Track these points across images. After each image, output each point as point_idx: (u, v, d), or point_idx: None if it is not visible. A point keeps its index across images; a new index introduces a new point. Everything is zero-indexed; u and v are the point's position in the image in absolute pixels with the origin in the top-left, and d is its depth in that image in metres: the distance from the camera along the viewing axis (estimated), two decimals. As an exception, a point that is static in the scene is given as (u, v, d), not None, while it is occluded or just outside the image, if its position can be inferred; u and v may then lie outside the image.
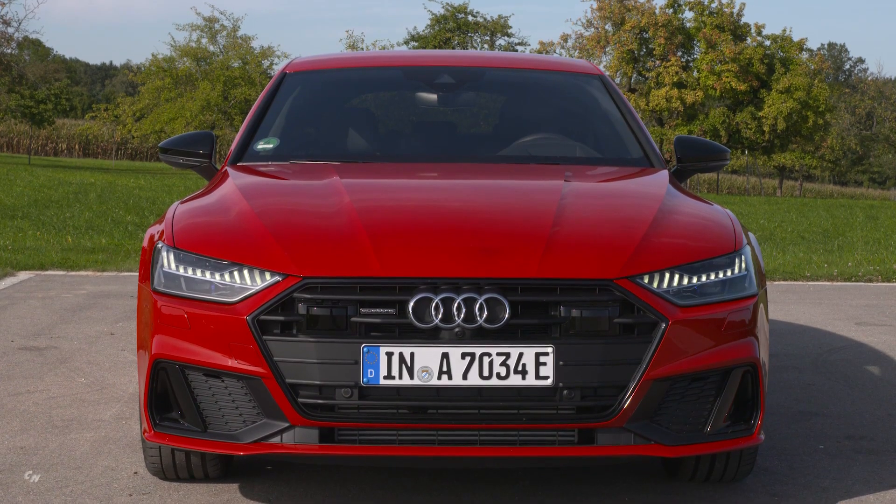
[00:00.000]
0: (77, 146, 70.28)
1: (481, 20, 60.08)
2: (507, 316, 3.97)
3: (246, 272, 4.12)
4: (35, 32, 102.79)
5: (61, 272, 11.90)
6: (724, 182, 65.73)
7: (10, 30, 47.90)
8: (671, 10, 54.17)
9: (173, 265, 4.25)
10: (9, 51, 50.41)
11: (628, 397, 4.03)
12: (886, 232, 22.07)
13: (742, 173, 66.28)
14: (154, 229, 4.67)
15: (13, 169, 36.71)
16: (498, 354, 3.97)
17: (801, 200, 44.56)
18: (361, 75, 6.48)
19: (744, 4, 53.88)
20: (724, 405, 4.23)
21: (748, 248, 4.47)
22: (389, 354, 3.96)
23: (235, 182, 4.95)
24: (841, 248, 17.67)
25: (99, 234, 16.09)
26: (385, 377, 3.97)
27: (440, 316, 3.96)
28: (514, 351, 3.97)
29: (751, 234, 4.81)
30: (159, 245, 4.37)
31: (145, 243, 4.65)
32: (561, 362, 3.98)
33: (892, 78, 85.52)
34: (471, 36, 60.26)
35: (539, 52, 55.12)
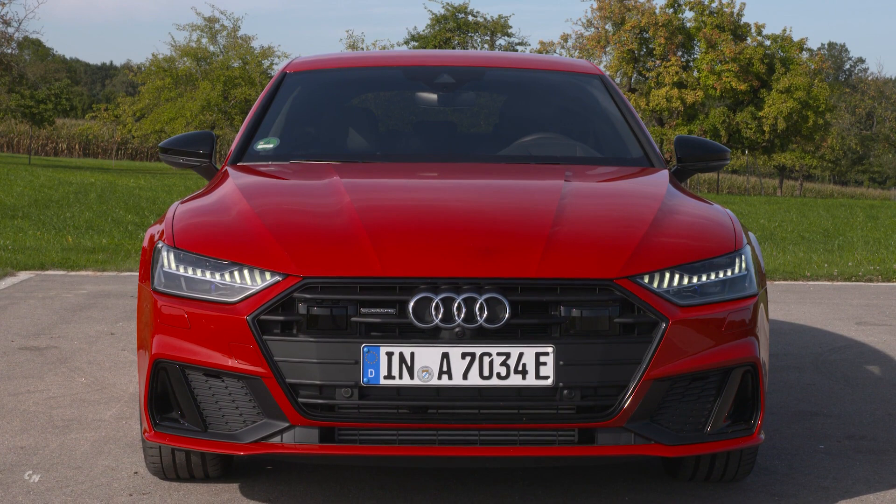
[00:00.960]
0: (77, 146, 70.32)
1: (481, 20, 60.09)
2: (507, 316, 3.97)
3: (246, 272, 4.12)
4: (35, 32, 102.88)
5: (61, 272, 11.90)
6: (725, 182, 65.75)
7: (10, 30, 47.89)
8: (671, 10, 54.16)
9: (173, 265, 4.25)
10: (9, 51, 50.38)
11: (628, 397, 4.03)
12: (886, 232, 22.07)
13: (742, 173, 66.30)
14: (154, 229, 4.67)
15: (13, 169, 36.71)
16: (498, 354, 3.96)
17: (801, 200, 44.56)
18: (362, 75, 6.48)
19: (744, 4, 53.88)
20: (725, 405, 4.23)
21: (748, 248, 4.47)
22: (390, 354, 3.96)
23: (235, 182, 4.95)
24: (841, 247, 17.68)
25: (99, 233, 16.09)
26: (385, 377, 3.96)
27: (440, 316, 3.96)
28: (515, 351, 3.97)
29: (751, 234, 4.81)
30: (159, 245, 4.37)
31: (145, 243, 4.65)
32: (561, 362, 3.97)
33: (893, 77, 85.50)
34: (471, 36, 60.27)
35: (539, 51, 55.12)
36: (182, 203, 4.75)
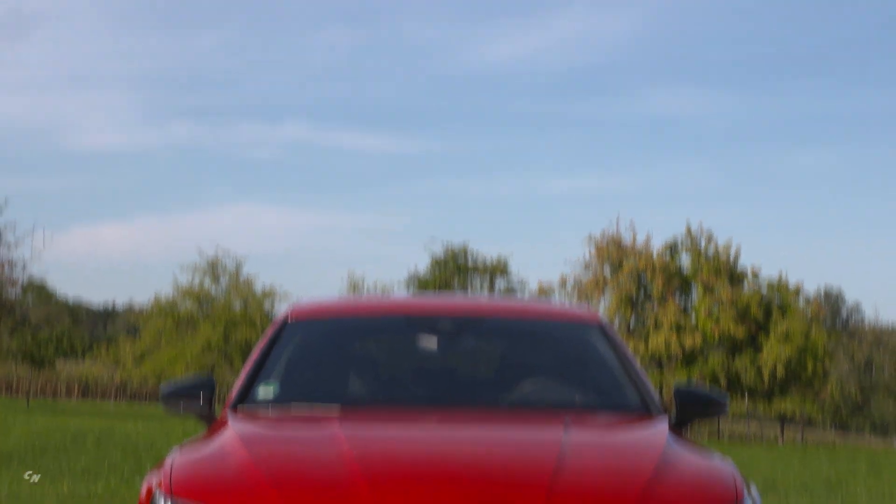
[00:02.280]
0: (76, 388, 70.24)
1: (480, 263, 60.94)
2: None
3: (244, 523, 4.08)
4: (40, 274, 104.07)
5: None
6: (726, 429, 65.39)
7: (16, 272, 48.48)
8: (668, 254, 54.95)
9: (171, 515, 4.21)
10: (12, 290, 50.87)
11: None
12: (892, 486, 21.79)
13: (743, 418, 66.00)
14: (151, 478, 4.64)
15: (11, 413, 36.56)
16: None
17: (802, 448, 44.15)
18: (363, 323, 6.54)
19: (739, 247, 54.63)
20: None
21: (749, 501, 4.43)
22: None
23: (235, 429, 4.95)
24: (845, 501, 17.43)
25: (95, 479, 15.91)
26: None
27: (439, 571, 3.90)
28: None
29: (752, 486, 4.78)
30: (157, 494, 4.34)
31: (142, 494, 4.62)
32: None
33: (889, 324, 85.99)
34: (470, 278, 61.04)
35: (539, 293, 55.71)
36: (181, 449, 4.74)
